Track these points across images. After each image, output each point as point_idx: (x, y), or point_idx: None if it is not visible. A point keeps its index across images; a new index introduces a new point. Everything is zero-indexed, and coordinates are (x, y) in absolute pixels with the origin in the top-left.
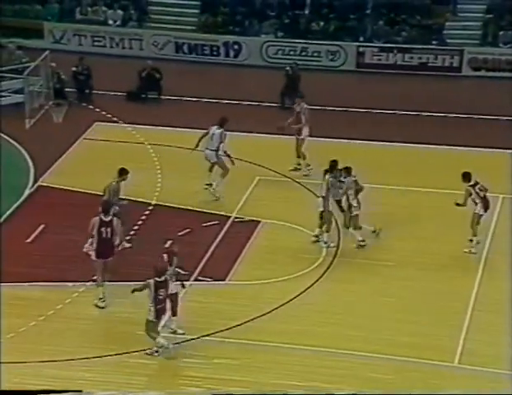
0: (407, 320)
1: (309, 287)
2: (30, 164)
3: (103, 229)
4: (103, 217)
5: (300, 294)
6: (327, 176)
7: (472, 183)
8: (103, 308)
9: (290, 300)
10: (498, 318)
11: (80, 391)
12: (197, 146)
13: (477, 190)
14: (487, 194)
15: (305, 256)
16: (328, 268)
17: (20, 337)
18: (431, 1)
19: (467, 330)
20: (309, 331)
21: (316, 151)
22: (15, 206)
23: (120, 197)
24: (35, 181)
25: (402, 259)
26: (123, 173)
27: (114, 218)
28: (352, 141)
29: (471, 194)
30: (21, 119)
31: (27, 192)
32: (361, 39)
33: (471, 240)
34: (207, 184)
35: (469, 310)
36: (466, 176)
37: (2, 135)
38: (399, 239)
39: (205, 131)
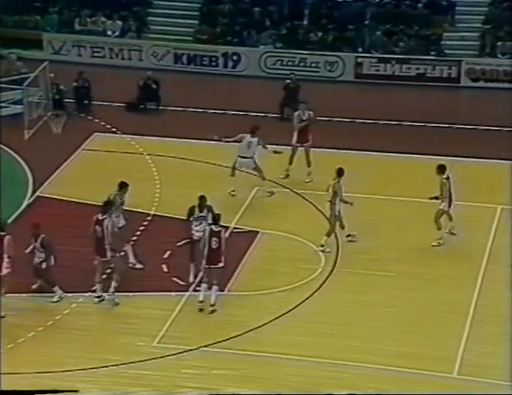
0: (406, 330)
1: (307, 298)
2: (29, 174)
3: (96, 227)
4: (99, 216)
5: (299, 304)
6: (332, 181)
7: (445, 176)
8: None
9: (290, 311)
10: (497, 329)
11: (76, 391)
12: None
13: (449, 185)
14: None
15: (304, 266)
16: (326, 278)
17: (18, 348)
18: (429, 11)
19: (466, 340)
20: (308, 341)
21: (314, 161)
22: (13, 216)
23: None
24: (34, 192)
25: (402, 270)
26: (123, 186)
27: (107, 219)
28: (350, 151)
29: (445, 186)
30: (20, 130)
31: (26, 202)
32: (360, 49)
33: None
34: (231, 191)
35: (468, 321)
36: (441, 168)
37: (1, 145)
38: (398, 249)
39: (235, 139)
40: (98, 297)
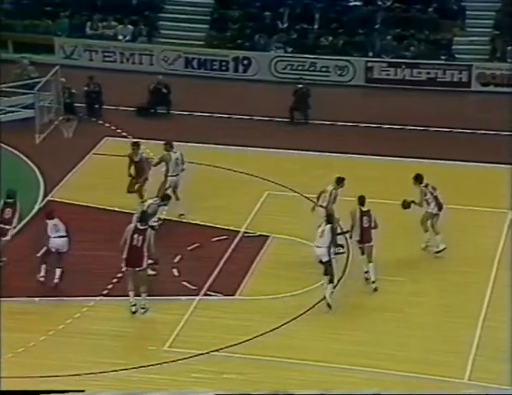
0: (415, 336)
1: (317, 303)
2: (40, 178)
3: (135, 236)
4: (138, 225)
5: (309, 309)
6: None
7: (424, 184)
8: (134, 312)
9: (300, 316)
10: (508, 334)
11: (82, 391)
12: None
13: (431, 190)
14: (439, 195)
15: (314, 271)
16: (337, 283)
17: (29, 352)
18: (440, 16)
19: (476, 346)
20: (318, 346)
21: (325, 166)
22: (25, 220)
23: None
24: (45, 196)
25: (411, 274)
26: (165, 198)
27: (149, 229)
28: (361, 156)
29: (425, 194)
30: (31, 134)
31: (37, 206)
32: (370, 54)
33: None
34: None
35: (479, 326)
36: (418, 178)
37: (13, 150)
38: (407, 254)
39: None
40: (134, 305)
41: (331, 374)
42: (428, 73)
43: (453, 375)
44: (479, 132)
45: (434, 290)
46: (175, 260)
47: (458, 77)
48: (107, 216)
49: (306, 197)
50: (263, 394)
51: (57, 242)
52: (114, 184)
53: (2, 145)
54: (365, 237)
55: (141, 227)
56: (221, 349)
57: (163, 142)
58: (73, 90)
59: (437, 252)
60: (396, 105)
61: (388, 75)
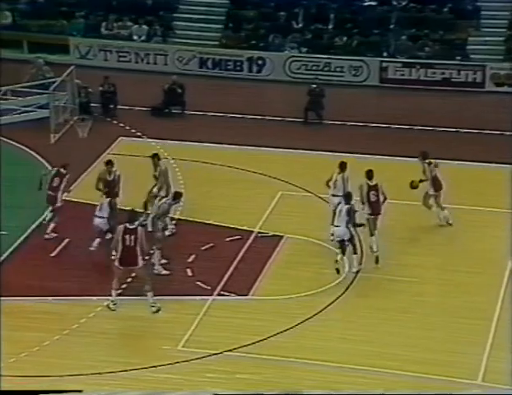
0: (430, 337)
1: (331, 303)
2: None
3: (127, 236)
4: (128, 225)
5: (323, 309)
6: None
7: (427, 161)
8: (113, 310)
9: (313, 316)
10: None
11: (80, 391)
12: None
13: (432, 168)
14: (438, 174)
15: (328, 271)
16: (350, 284)
17: (43, 351)
18: (454, 16)
19: (490, 347)
20: (331, 347)
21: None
22: (39, 220)
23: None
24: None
25: (425, 275)
26: (176, 196)
27: (140, 227)
28: (375, 156)
29: (425, 172)
30: (47, 134)
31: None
32: (384, 54)
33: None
34: None
35: (493, 327)
36: (423, 154)
37: (28, 149)
38: (421, 254)
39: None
40: (114, 304)
41: (345, 374)
42: (442, 73)
43: (467, 376)
44: (493, 132)
45: (449, 291)
46: (189, 260)
47: (473, 78)
48: (122, 215)
49: (320, 197)
50: (274, 394)
51: (96, 220)
52: (129, 184)
53: (17, 144)
54: (374, 210)
55: (131, 227)
56: (235, 349)
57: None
58: (89, 90)
59: (449, 223)
60: (410, 106)
61: (402, 75)
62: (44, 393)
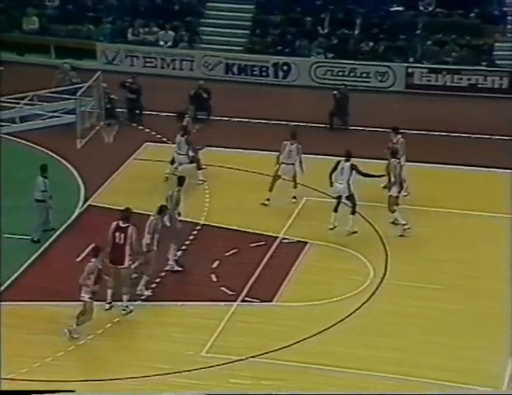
0: (455, 344)
1: (356, 309)
2: (81, 183)
3: (117, 234)
4: (120, 223)
5: (348, 316)
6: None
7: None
8: (108, 309)
9: (338, 322)
10: None
11: (73, 391)
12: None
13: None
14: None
15: (353, 277)
16: (375, 290)
17: (69, 356)
18: (481, 21)
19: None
20: (356, 353)
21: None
22: (65, 225)
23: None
24: (86, 200)
25: (450, 282)
26: (183, 182)
27: (131, 227)
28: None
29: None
30: (73, 139)
31: (77, 211)
32: (411, 59)
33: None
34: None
35: None
36: (395, 128)
37: (54, 155)
38: (445, 261)
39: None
40: (109, 303)
41: (370, 381)
42: (469, 79)
43: (492, 385)
44: None
45: (475, 298)
46: (213, 265)
47: (499, 83)
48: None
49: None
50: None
51: None
52: (154, 189)
53: (44, 149)
54: (401, 188)
55: (123, 225)
56: (259, 355)
57: None
58: (114, 96)
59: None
60: (436, 111)
61: (428, 81)
62: (36, 393)
